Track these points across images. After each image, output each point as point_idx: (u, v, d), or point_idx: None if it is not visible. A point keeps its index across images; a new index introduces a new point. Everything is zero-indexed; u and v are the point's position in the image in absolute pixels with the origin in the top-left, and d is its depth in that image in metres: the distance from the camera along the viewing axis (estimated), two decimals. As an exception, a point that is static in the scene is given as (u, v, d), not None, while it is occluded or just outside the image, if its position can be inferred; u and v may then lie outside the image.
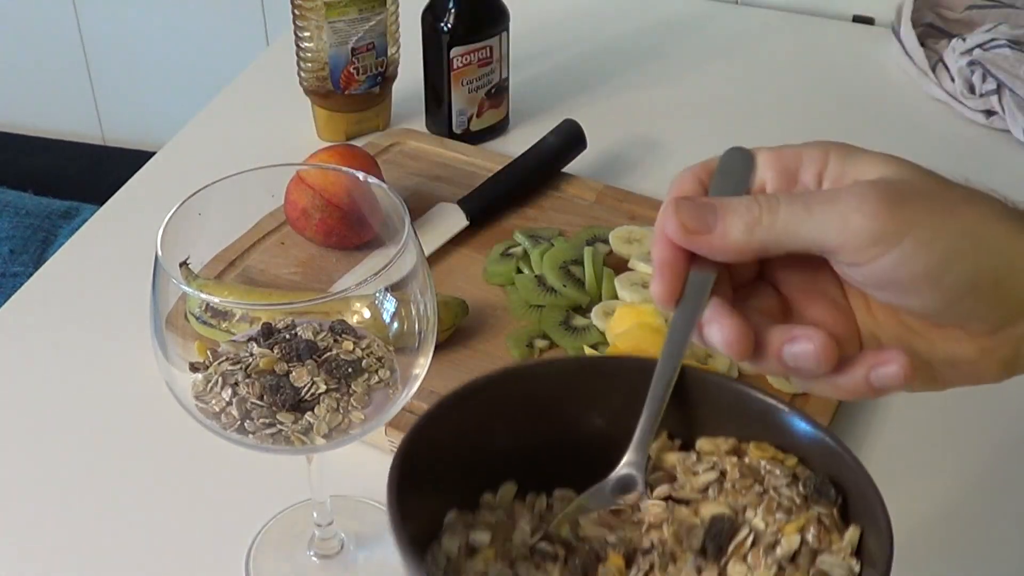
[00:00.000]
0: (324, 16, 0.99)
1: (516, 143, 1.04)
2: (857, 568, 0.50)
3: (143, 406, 0.78)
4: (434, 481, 0.51)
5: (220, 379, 0.60)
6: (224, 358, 0.60)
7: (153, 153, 1.07)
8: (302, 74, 1.04)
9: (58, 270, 0.94)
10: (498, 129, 1.08)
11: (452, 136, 1.05)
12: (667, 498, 0.53)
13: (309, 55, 1.02)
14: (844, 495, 0.52)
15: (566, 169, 0.99)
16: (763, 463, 0.53)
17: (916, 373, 0.49)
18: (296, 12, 1.01)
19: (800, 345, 0.48)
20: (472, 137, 1.06)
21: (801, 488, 0.52)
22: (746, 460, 0.54)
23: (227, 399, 0.59)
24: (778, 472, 0.53)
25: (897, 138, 1.06)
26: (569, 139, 1.00)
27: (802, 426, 0.53)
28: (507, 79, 1.05)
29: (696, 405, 0.55)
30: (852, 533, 0.51)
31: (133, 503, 0.75)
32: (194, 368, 0.61)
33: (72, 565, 0.71)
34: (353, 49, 1.01)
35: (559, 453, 0.55)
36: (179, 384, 0.60)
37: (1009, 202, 0.51)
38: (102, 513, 0.74)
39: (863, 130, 1.07)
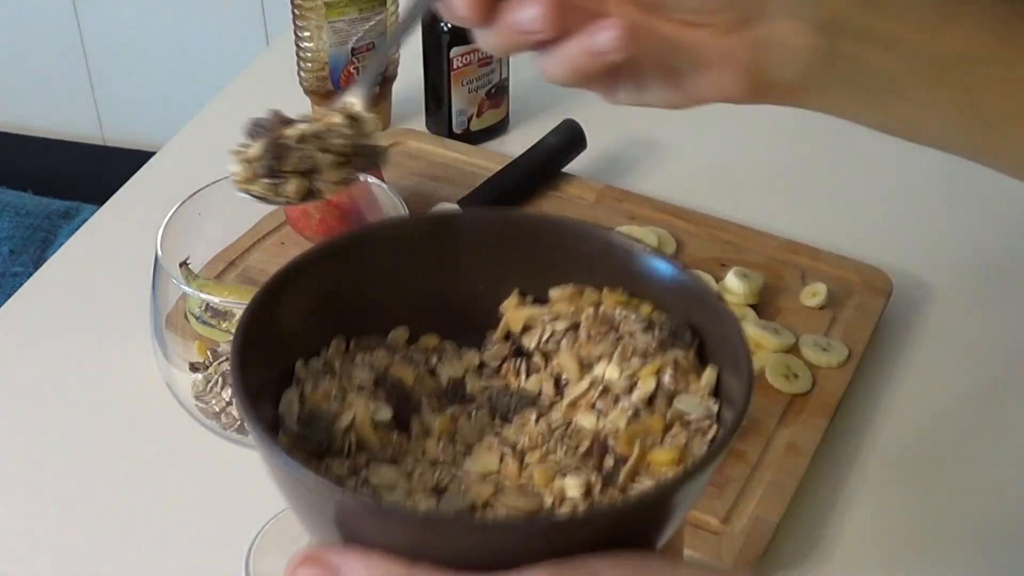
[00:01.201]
0: (324, 16, 0.99)
1: (516, 143, 1.04)
2: (716, 408, 0.49)
3: (143, 406, 0.78)
4: (283, 343, 0.50)
5: (220, 379, 0.60)
6: (224, 358, 0.60)
7: (153, 153, 1.07)
8: (302, 74, 1.04)
9: (58, 270, 0.94)
10: (498, 129, 1.08)
11: (452, 136, 1.05)
12: (517, 353, 0.52)
13: (309, 55, 1.02)
14: (701, 338, 0.51)
15: (566, 169, 0.99)
16: (618, 310, 0.52)
17: (637, 41, 0.50)
18: (296, 12, 1.01)
19: (528, 9, 0.51)
20: (472, 137, 1.06)
21: (657, 332, 0.51)
22: (600, 309, 0.53)
23: (227, 399, 0.59)
24: (633, 318, 0.52)
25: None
26: (569, 139, 1.00)
27: (659, 267, 0.52)
28: (507, 79, 1.05)
29: (547, 255, 0.54)
30: (709, 373, 0.50)
31: (133, 503, 0.75)
32: (194, 368, 0.61)
33: (72, 565, 0.71)
34: (353, 49, 1.01)
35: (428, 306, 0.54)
36: (179, 384, 0.60)
37: None
38: (102, 513, 0.74)
39: (863, 128, 1.07)
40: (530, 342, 0.53)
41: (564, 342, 0.52)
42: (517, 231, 0.54)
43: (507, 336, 0.54)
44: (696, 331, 0.51)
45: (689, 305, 0.51)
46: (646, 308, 0.53)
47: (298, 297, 0.50)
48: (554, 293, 0.54)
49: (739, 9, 0.50)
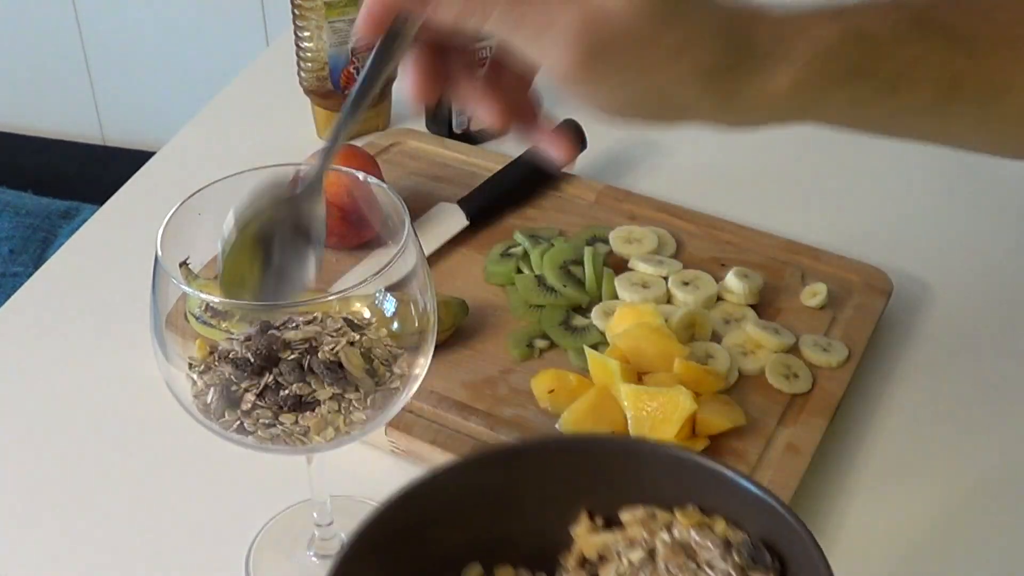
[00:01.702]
0: (324, 16, 0.99)
1: (516, 143, 1.03)
2: None
3: (143, 406, 0.78)
4: None
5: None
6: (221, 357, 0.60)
7: (153, 153, 1.07)
8: (302, 74, 1.04)
9: (58, 270, 0.94)
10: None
11: (452, 136, 1.05)
12: None
13: (309, 55, 1.02)
14: (780, 556, 0.50)
15: (566, 169, 0.99)
16: (693, 534, 0.51)
17: (575, 161, 0.57)
18: (296, 12, 1.01)
19: (481, 112, 0.57)
20: (472, 137, 1.06)
21: (735, 557, 0.50)
22: (675, 533, 0.52)
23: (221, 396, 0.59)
24: (710, 544, 0.51)
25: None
26: (569, 139, 1.00)
27: (729, 481, 0.51)
28: (507, 79, 1.05)
29: (614, 475, 0.53)
30: None
31: (133, 503, 0.75)
32: (194, 368, 0.61)
33: (71, 565, 0.71)
34: (353, 49, 1.01)
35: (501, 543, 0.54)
36: (179, 384, 0.60)
37: (733, 47, 0.53)
38: (102, 513, 0.74)
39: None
40: (607, 575, 0.52)
41: (642, 574, 0.52)
42: (582, 455, 0.54)
43: (582, 562, 0.53)
44: (773, 549, 0.50)
45: (763, 519, 0.50)
46: (720, 525, 0.52)
47: (371, 560, 0.50)
48: (625, 516, 0.53)
49: (678, 124, 0.56)
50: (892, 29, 0.54)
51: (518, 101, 0.58)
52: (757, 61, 0.52)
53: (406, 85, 0.56)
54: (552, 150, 0.58)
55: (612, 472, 0.54)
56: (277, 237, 0.57)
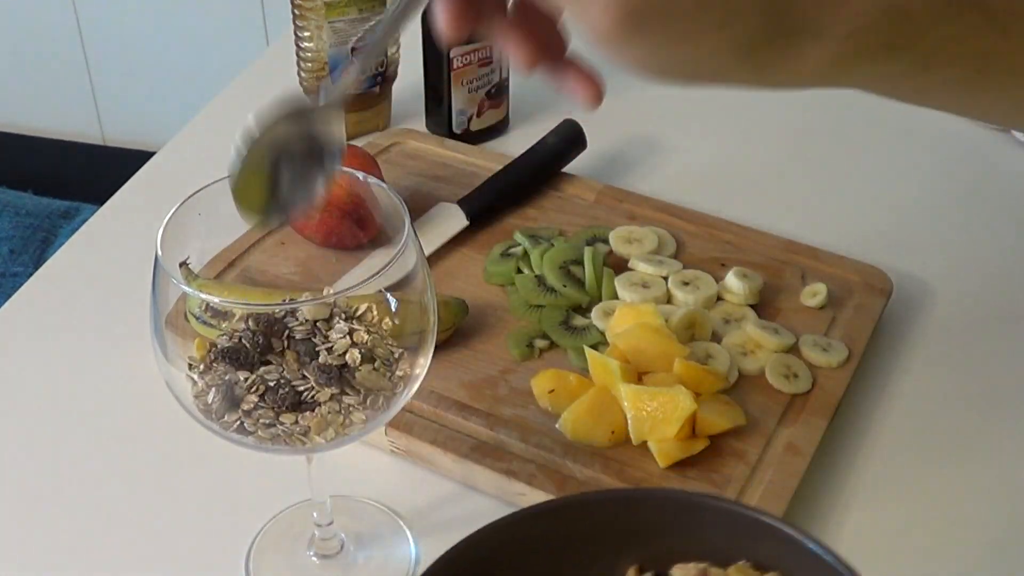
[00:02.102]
0: (324, 16, 0.99)
1: (516, 143, 1.04)
2: None
3: (143, 406, 0.78)
4: None
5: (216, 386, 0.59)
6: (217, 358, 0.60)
7: (153, 153, 1.07)
8: (302, 74, 1.04)
9: (58, 270, 0.94)
10: (498, 129, 1.08)
11: (452, 136, 1.05)
12: None
13: (309, 55, 1.02)
14: None
15: (566, 169, 0.99)
16: None
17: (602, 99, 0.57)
18: (296, 12, 1.01)
19: (510, 48, 0.57)
20: (472, 137, 1.06)
21: None
22: None
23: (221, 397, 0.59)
24: None
25: (895, 134, 1.06)
26: (569, 139, 1.00)
27: (783, 536, 0.50)
28: (507, 79, 1.05)
29: (664, 528, 0.53)
30: None
31: (133, 503, 0.75)
32: (194, 368, 0.61)
33: (72, 565, 0.71)
34: (353, 49, 1.01)
35: None
36: (179, 384, 0.60)
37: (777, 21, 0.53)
38: (102, 513, 0.74)
39: (861, 125, 1.07)
40: None
41: None
42: (631, 508, 0.53)
43: None
44: None
45: (819, 575, 0.49)
46: None
47: None
48: (677, 573, 0.53)
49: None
50: (929, 5, 0.54)
51: (546, 38, 0.57)
52: (795, 36, 0.52)
53: (437, 20, 0.55)
54: (580, 90, 0.58)
55: (662, 526, 0.53)
56: (292, 149, 0.58)
